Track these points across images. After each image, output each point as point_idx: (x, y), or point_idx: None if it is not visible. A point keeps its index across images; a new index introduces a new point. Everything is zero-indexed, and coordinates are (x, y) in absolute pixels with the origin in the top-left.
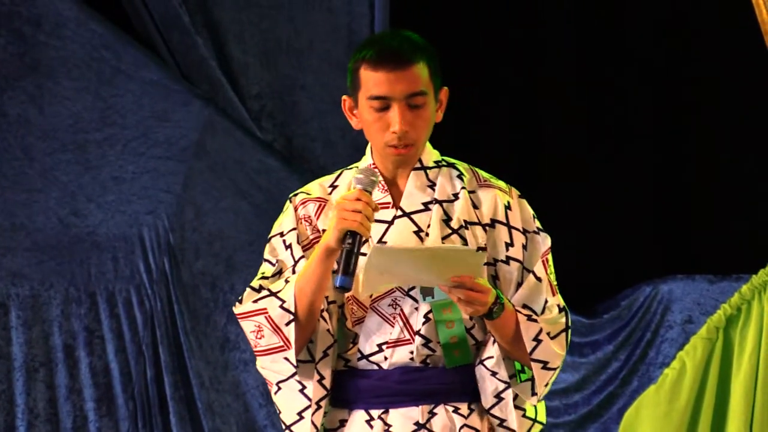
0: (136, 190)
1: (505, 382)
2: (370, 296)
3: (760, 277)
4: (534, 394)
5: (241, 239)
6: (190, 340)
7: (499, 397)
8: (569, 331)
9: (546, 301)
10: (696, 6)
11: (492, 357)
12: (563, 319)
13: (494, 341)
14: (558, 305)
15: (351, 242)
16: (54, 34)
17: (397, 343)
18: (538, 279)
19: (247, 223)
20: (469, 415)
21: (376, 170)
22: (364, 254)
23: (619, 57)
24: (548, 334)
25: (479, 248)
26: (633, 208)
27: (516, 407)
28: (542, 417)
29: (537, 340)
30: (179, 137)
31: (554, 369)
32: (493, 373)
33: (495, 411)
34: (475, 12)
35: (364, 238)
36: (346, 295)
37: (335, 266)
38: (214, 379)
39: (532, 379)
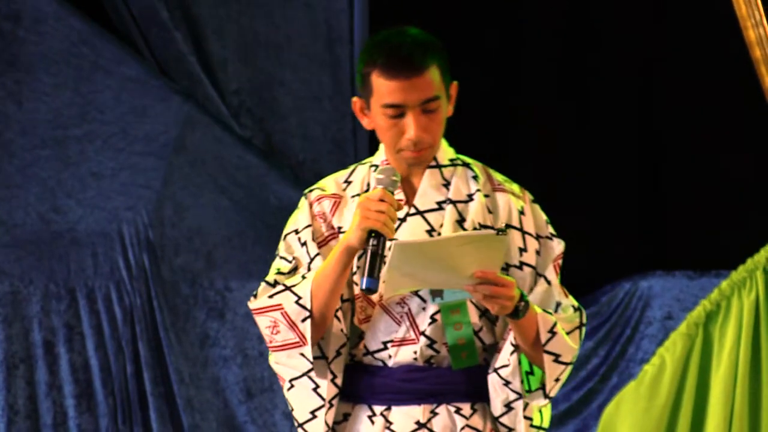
0: (116, 186)
1: (517, 393)
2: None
3: (739, 274)
4: (546, 396)
5: (221, 235)
6: (169, 336)
7: (509, 407)
8: (583, 328)
9: (559, 304)
10: (677, 2)
11: (507, 366)
12: (577, 318)
13: (512, 351)
14: (572, 306)
15: (376, 243)
16: (33, 30)
17: (402, 342)
18: (548, 282)
19: (226, 219)
20: (471, 415)
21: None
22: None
23: (602, 53)
24: (563, 328)
25: (499, 231)
26: (612, 204)
27: (524, 417)
28: (546, 423)
29: (552, 332)
30: (158, 133)
31: (566, 363)
32: (507, 383)
33: (504, 420)
34: (453, 7)
35: (387, 239)
36: (356, 291)
37: (356, 266)
38: (194, 375)
39: (543, 386)
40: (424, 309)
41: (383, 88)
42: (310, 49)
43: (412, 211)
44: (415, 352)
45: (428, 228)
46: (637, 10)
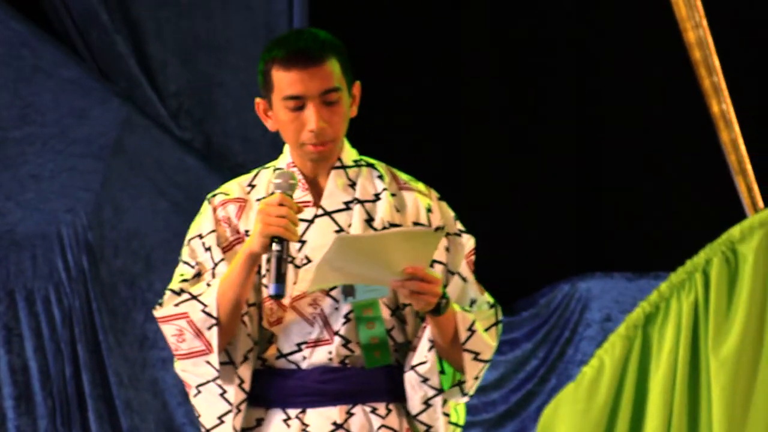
0: (55, 188)
1: (435, 389)
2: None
3: (678, 276)
4: (464, 394)
5: (160, 237)
6: (108, 338)
7: (427, 404)
8: (500, 325)
9: (474, 300)
10: (615, 7)
11: (425, 363)
12: (493, 314)
13: (430, 347)
14: (488, 302)
15: (279, 248)
16: None
17: (316, 343)
18: (464, 279)
19: (165, 221)
20: (386, 415)
21: (295, 171)
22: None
23: (540, 58)
24: (481, 326)
25: (437, 228)
26: (551, 206)
27: (443, 414)
28: (462, 420)
29: (471, 330)
30: (98, 135)
31: (485, 361)
32: (425, 380)
33: (422, 417)
34: (393, 8)
35: (290, 243)
36: (264, 294)
37: (265, 269)
38: (133, 377)
39: (460, 382)
40: (337, 309)
41: (283, 80)
42: (250, 50)
43: (320, 212)
44: (330, 353)
45: (337, 228)
46: (577, 9)
